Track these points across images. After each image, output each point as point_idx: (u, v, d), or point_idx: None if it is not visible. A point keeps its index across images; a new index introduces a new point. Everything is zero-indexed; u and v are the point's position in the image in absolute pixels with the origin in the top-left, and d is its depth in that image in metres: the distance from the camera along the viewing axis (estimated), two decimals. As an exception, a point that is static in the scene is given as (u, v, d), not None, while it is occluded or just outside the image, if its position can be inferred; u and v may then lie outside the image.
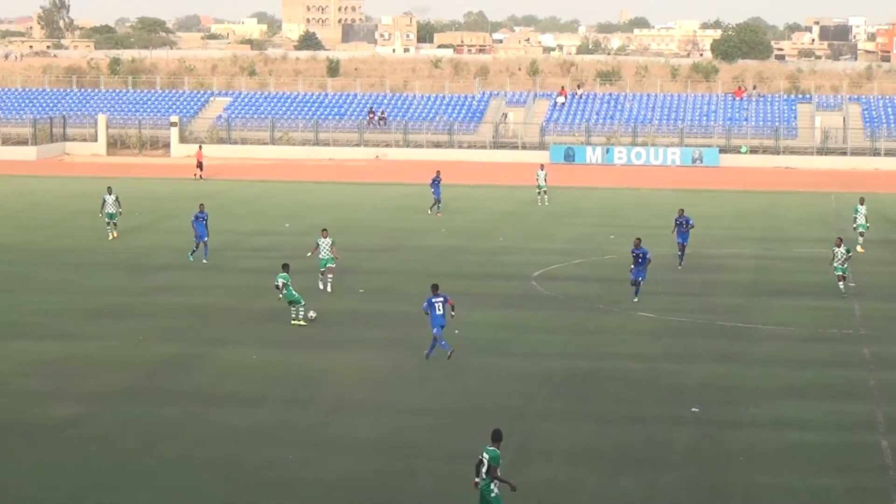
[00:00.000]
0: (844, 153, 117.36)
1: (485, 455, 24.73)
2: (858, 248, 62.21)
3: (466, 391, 36.59)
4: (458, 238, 67.41)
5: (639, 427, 33.21)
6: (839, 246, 50.19)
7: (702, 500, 27.90)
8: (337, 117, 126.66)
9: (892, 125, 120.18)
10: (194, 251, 57.52)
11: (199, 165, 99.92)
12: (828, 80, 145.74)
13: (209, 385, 37.20)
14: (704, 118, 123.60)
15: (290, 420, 33.68)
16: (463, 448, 30.54)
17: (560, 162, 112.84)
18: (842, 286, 50.39)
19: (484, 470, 24.61)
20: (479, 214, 74.61)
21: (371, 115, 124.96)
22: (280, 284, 43.82)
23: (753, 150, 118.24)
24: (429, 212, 75.76)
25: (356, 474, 29.38)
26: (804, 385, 37.62)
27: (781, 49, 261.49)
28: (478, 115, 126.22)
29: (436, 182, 75.69)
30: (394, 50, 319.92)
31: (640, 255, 49.13)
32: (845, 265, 50.40)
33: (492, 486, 24.63)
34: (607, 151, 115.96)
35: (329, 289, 49.68)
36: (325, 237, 50.05)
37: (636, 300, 49.17)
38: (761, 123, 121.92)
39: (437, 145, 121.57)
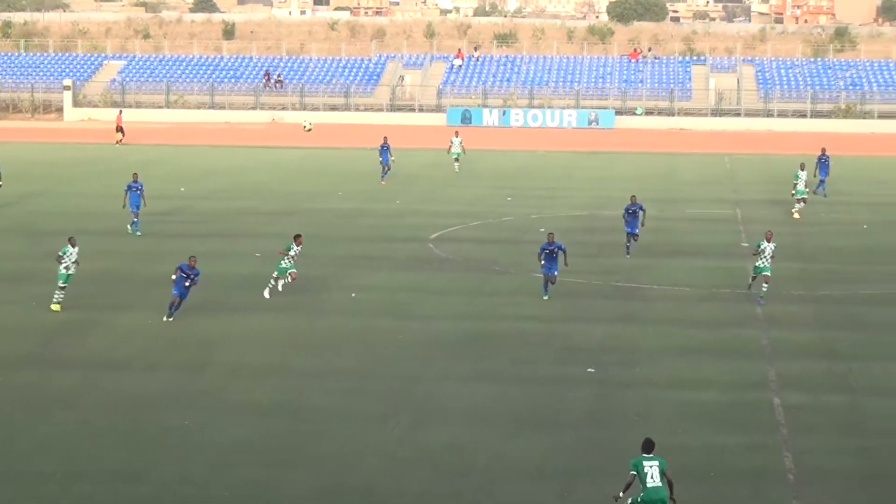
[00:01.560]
0: (738, 114, 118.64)
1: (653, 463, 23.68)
2: (795, 215, 62.65)
3: (366, 354, 36.64)
4: (355, 201, 67.34)
5: (536, 388, 33.49)
6: (769, 240, 43.14)
7: (598, 460, 28.19)
8: (233, 80, 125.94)
9: (786, 87, 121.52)
10: (134, 222, 56.35)
11: (120, 130, 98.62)
12: (722, 42, 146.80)
13: (106, 351, 36.96)
14: (600, 80, 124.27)
15: (188, 385, 33.58)
16: (365, 411, 30.71)
17: (457, 124, 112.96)
18: (765, 287, 42.95)
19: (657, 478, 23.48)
20: (377, 177, 74.55)
21: (267, 79, 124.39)
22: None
23: (649, 112, 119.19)
24: (382, 182, 74.18)
25: (258, 438, 29.36)
26: (698, 344, 38.07)
27: (676, 11, 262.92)
28: (374, 77, 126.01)
29: (384, 148, 74.17)
30: (290, 12, 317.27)
31: (635, 210, 50.93)
32: (768, 264, 43.11)
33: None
34: (504, 114, 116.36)
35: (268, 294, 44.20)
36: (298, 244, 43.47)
37: (628, 256, 50.72)
38: (656, 85, 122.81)
39: (334, 108, 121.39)
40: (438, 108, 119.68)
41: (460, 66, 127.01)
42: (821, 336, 39.24)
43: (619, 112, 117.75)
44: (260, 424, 30.35)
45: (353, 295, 43.99)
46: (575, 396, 32.80)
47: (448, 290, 45.64)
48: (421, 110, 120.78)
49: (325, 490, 26.27)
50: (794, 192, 63.84)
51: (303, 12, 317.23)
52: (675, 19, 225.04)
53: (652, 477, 23.33)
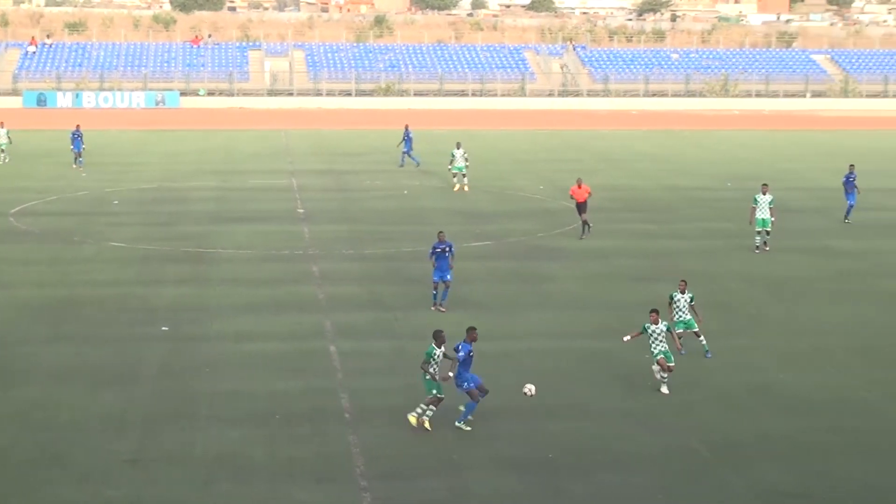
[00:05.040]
0: (291, 94, 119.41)
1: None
2: (464, 188, 61.19)
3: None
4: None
5: (114, 346, 32.93)
6: (683, 292, 32.35)
7: (173, 407, 28.00)
8: None
9: (333, 69, 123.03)
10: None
11: None
12: (275, 29, 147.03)
13: None
14: (166, 64, 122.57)
15: None
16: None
17: (33, 106, 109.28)
18: (704, 343, 32.35)
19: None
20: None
21: None
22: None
23: (211, 93, 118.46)
24: (75, 166, 69.19)
25: None
26: (261, 301, 38.24)
27: (233, 2, 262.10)
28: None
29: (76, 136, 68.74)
30: None
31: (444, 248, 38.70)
32: (689, 317, 32.21)
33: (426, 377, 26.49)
34: (77, 96, 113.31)
35: None
36: None
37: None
38: (217, 69, 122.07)
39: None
40: (15, 92, 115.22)
41: (34, 52, 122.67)
42: (369, 289, 40.02)
43: (183, 93, 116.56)
44: None
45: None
46: (151, 352, 32.42)
47: (28, 259, 44.20)
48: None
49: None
50: (450, 166, 61.99)
51: None
52: (233, 9, 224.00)
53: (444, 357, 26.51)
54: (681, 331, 31.91)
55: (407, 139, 70.95)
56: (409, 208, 56.59)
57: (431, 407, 26.58)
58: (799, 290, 40.44)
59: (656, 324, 29.15)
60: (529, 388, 27.11)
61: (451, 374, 26.65)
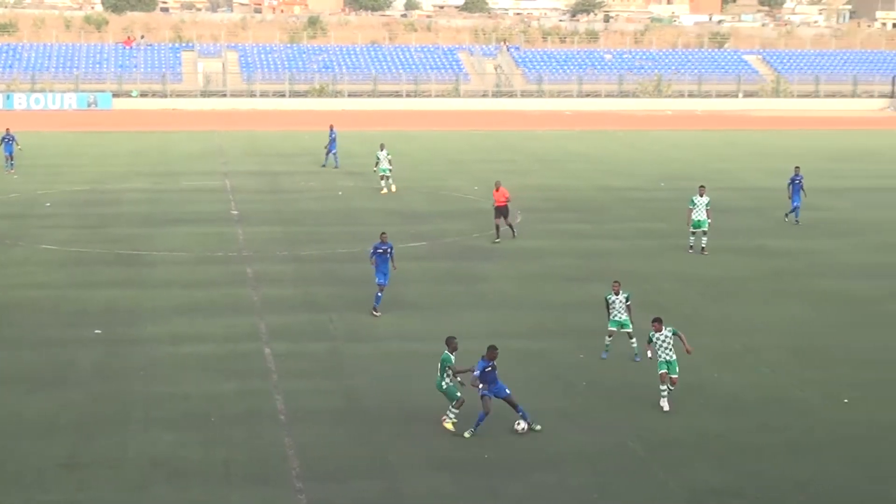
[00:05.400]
0: (224, 95, 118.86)
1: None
2: (391, 189, 60.82)
3: None
4: None
5: (47, 350, 32.63)
6: (617, 293, 32.01)
7: (107, 411, 27.80)
8: None
9: (266, 70, 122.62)
10: None
11: None
12: (208, 30, 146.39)
13: None
14: (98, 66, 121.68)
15: None
16: None
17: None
18: (633, 344, 32.23)
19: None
20: None
21: None
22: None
23: (144, 94, 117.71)
24: (10, 172, 68.35)
25: None
26: (195, 303, 38.04)
27: (166, 2, 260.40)
28: None
29: (6, 140, 67.48)
30: None
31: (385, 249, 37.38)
32: (625, 317, 31.97)
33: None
34: (8, 98, 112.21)
35: None
36: None
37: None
38: (150, 70, 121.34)
39: None
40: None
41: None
42: (304, 291, 39.93)
43: (116, 95, 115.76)
44: None
45: None
46: (85, 355, 32.18)
47: (-41, 263, 43.73)
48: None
49: None
50: (375, 168, 61.30)
51: None
52: (165, 10, 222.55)
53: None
54: (614, 329, 31.90)
55: (332, 139, 70.84)
56: (343, 209, 56.49)
57: (455, 410, 26.59)
58: (733, 290, 40.76)
59: (659, 332, 28.12)
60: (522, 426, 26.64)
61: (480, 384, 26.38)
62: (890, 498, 23.73)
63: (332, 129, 71.66)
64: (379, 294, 36.46)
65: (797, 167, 53.75)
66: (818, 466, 25.10)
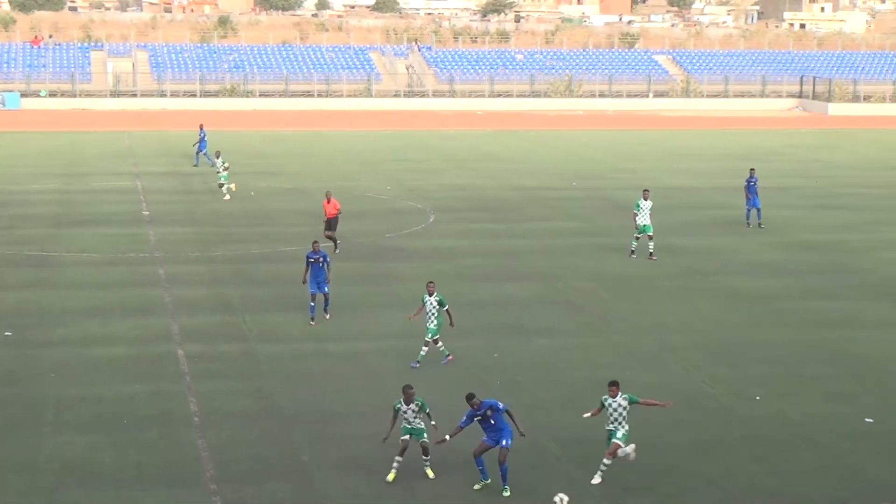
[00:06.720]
0: (135, 95, 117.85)
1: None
2: (232, 188, 59.89)
3: None
4: None
5: (-45, 353, 32.24)
6: (431, 294, 31.59)
7: (17, 415, 27.50)
8: None
9: (177, 69, 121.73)
10: None
11: None
12: (118, 30, 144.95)
13: None
14: (5, 65, 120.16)
15: None
16: None
17: None
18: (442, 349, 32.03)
19: None
20: None
21: None
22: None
23: (52, 94, 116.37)
24: None
25: None
26: (107, 304, 37.72)
27: (74, 1, 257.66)
28: None
29: None
30: None
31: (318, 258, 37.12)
32: (434, 325, 31.52)
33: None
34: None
35: None
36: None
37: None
38: (59, 69, 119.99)
39: None
40: None
41: None
42: (216, 292, 39.74)
43: (24, 94, 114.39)
44: None
45: None
46: (-7, 359, 31.81)
47: None
48: None
49: None
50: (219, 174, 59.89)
51: None
52: (74, 9, 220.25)
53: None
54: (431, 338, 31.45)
55: (202, 139, 71.18)
56: (255, 210, 56.26)
57: (423, 457, 24.69)
58: (643, 288, 41.14)
59: (614, 397, 24.10)
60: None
61: (446, 437, 24.49)
62: (796, 494, 24.09)
63: (201, 129, 72.05)
64: (312, 303, 35.76)
65: (752, 169, 53.72)
66: (729, 463, 25.42)
